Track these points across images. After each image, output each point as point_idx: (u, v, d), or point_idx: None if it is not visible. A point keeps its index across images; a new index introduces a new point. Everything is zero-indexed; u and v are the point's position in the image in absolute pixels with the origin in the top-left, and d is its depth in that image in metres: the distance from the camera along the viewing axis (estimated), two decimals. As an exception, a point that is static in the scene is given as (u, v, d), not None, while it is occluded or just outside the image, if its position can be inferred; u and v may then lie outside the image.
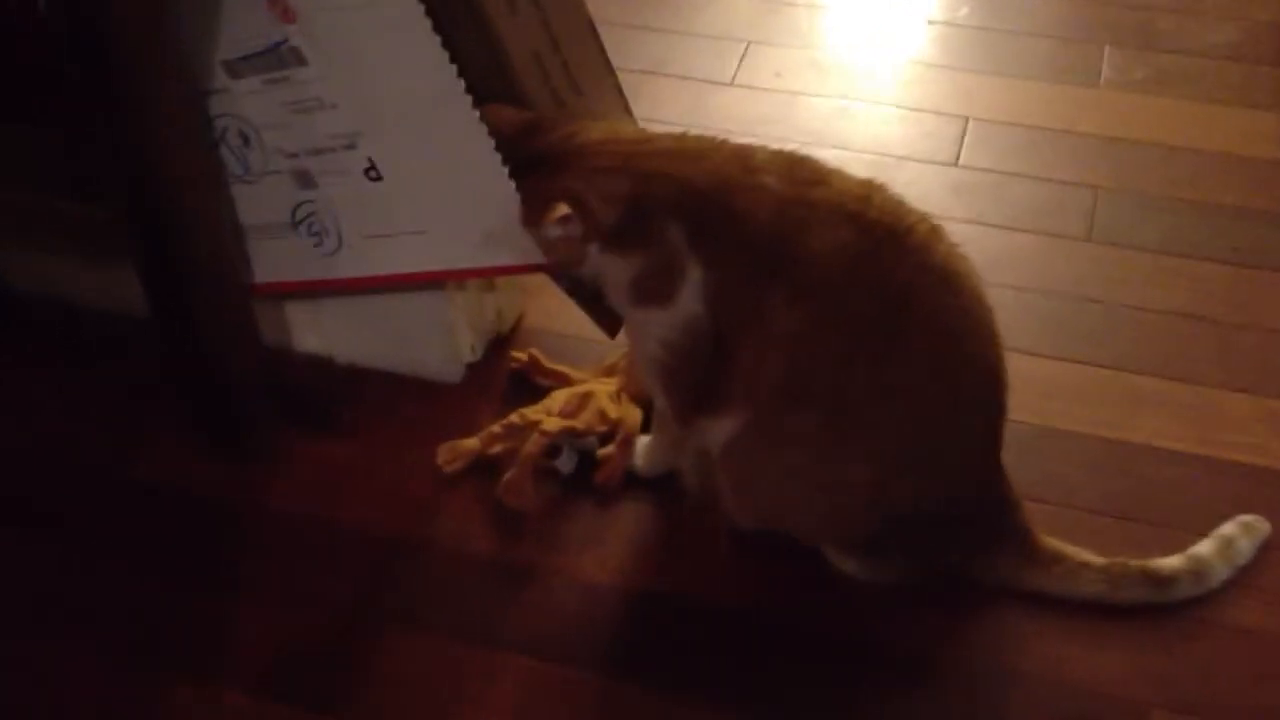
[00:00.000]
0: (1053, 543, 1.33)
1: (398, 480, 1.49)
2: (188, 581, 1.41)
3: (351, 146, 1.32)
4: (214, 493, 1.49)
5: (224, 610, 1.38)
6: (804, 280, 1.19)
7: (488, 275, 1.44)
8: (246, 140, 1.36)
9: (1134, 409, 1.55)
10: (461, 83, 1.21)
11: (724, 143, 1.26)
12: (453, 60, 1.21)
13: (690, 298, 1.21)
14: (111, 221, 1.40)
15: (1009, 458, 1.33)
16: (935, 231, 1.23)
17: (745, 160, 1.23)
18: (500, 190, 1.25)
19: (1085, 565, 1.31)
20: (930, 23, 2.21)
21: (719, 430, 1.28)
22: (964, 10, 2.23)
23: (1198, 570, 1.32)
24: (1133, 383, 1.58)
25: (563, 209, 1.18)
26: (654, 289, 1.23)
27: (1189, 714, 1.25)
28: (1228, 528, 1.35)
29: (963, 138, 1.96)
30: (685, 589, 1.37)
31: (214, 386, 1.51)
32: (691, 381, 1.27)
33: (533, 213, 1.22)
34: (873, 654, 1.32)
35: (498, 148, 1.23)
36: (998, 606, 1.34)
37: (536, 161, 1.23)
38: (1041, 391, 1.56)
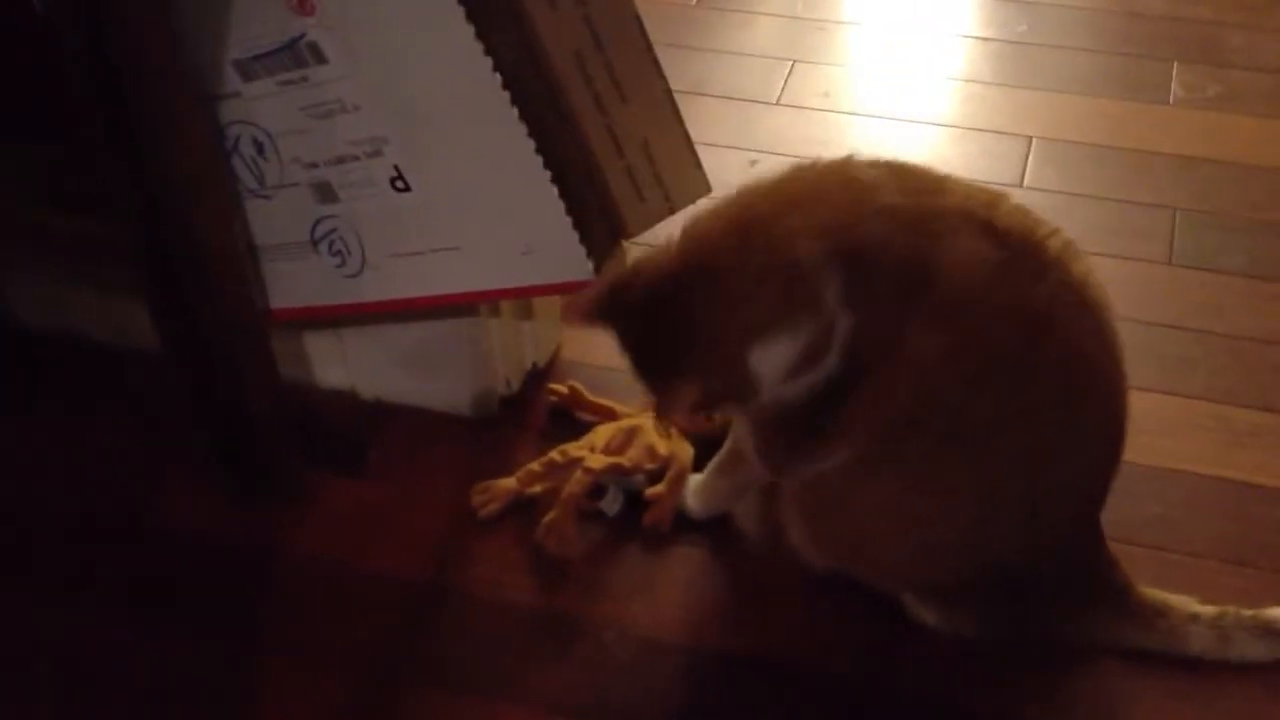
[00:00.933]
0: (1154, 594, 1.21)
1: (430, 524, 1.40)
2: (209, 634, 1.32)
3: (376, 154, 1.20)
4: (235, 539, 1.40)
5: (248, 665, 1.29)
6: (944, 299, 1.04)
7: (528, 295, 1.32)
8: (261, 149, 1.25)
9: (1232, 443, 1.44)
10: (498, 79, 1.10)
11: (818, 167, 1.13)
12: (486, 55, 1.09)
13: (835, 352, 1.07)
14: (119, 244, 1.30)
15: None
16: (1069, 247, 1.10)
17: (854, 182, 1.10)
18: (540, 199, 1.14)
19: (1193, 618, 1.20)
20: (984, 40, 2.12)
21: (815, 470, 1.15)
22: (1022, 27, 2.13)
23: None
24: (1229, 415, 1.47)
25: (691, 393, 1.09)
26: (807, 359, 1.09)
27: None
28: None
29: (1027, 158, 1.86)
30: (746, 642, 1.27)
31: (230, 425, 1.41)
32: (800, 436, 1.13)
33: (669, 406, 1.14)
34: (955, 716, 1.20)
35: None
36: (1093, 664, 1.23)
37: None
38: (1131, 426, 1.42)
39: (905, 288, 1.05)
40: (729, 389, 1.12)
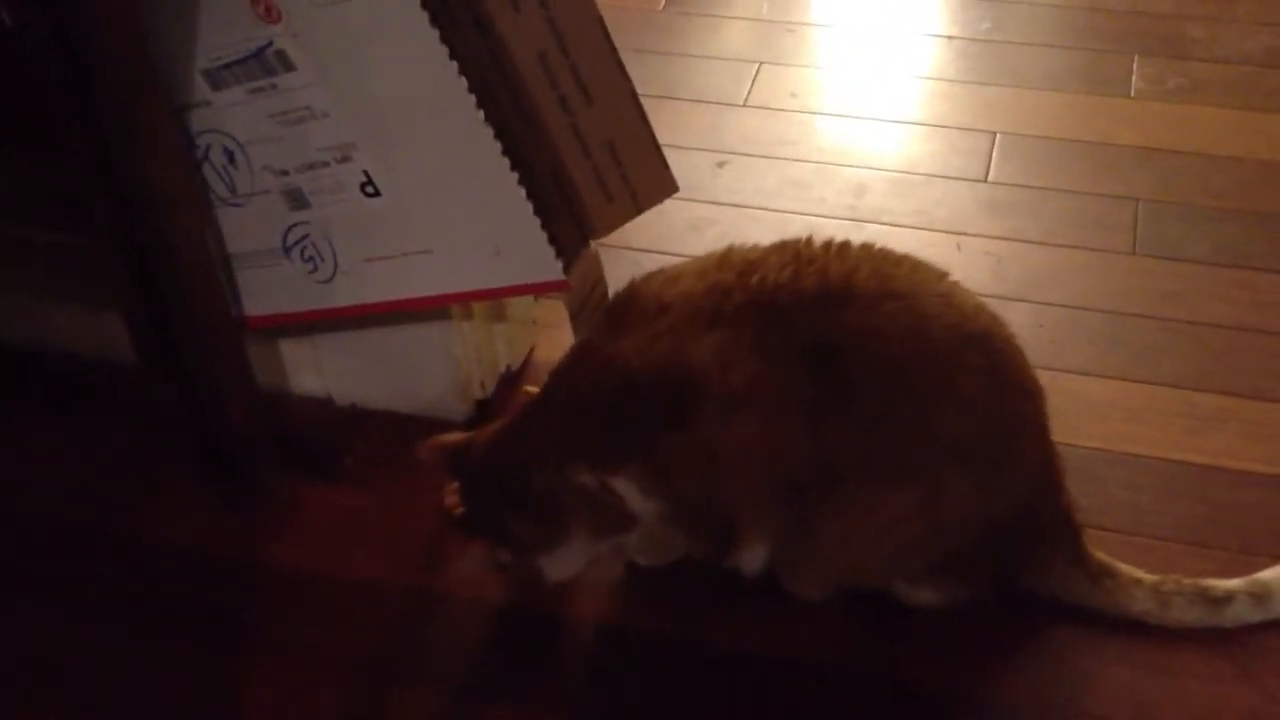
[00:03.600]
0: (1104, 557, 1.25)
1: (408, 528, 1.41)
2: (193, 643, 1.32)
3: (346, 160, 1.21)
4: (215, 547, 1.40)
5: (232, 674, 1.28)
6: (717, 391, 1.11)
7: (500, 296, 1.33)
8: (232, 158, 1.26)
9: (1197, 428, 1.46)
10: (463, 82, 1.11)
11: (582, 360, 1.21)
12: (452, 59, 1.10)
13: (641, 504, 1.19)
14: (94, 256, 1.30)
15: (1069, 483, 1.25)
16: (850, 255, 1.16)
17: (601, 362, 1.17)
18: (508, 201, 1.15)
19: (1136, 582, 1.24)
20: (949, 38, 2.14)
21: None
22: (985, 25, 2.15)
23: (1258, 594, 1.23)
24: (1194, 400, 1.49)
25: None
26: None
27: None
28: None
29: (991, 153, 1.88)
30: (730, 638, 1.27)
31: (209, 434, 1.42)
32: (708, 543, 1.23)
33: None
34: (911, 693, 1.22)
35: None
36: (1068, 652, 1.25)
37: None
38: (1097, 413, 1.48)
39: (673, 410, 1.11)
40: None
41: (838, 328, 1.11)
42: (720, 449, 1.12)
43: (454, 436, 1.25)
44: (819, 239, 1.17)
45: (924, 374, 1.12)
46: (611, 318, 1.19)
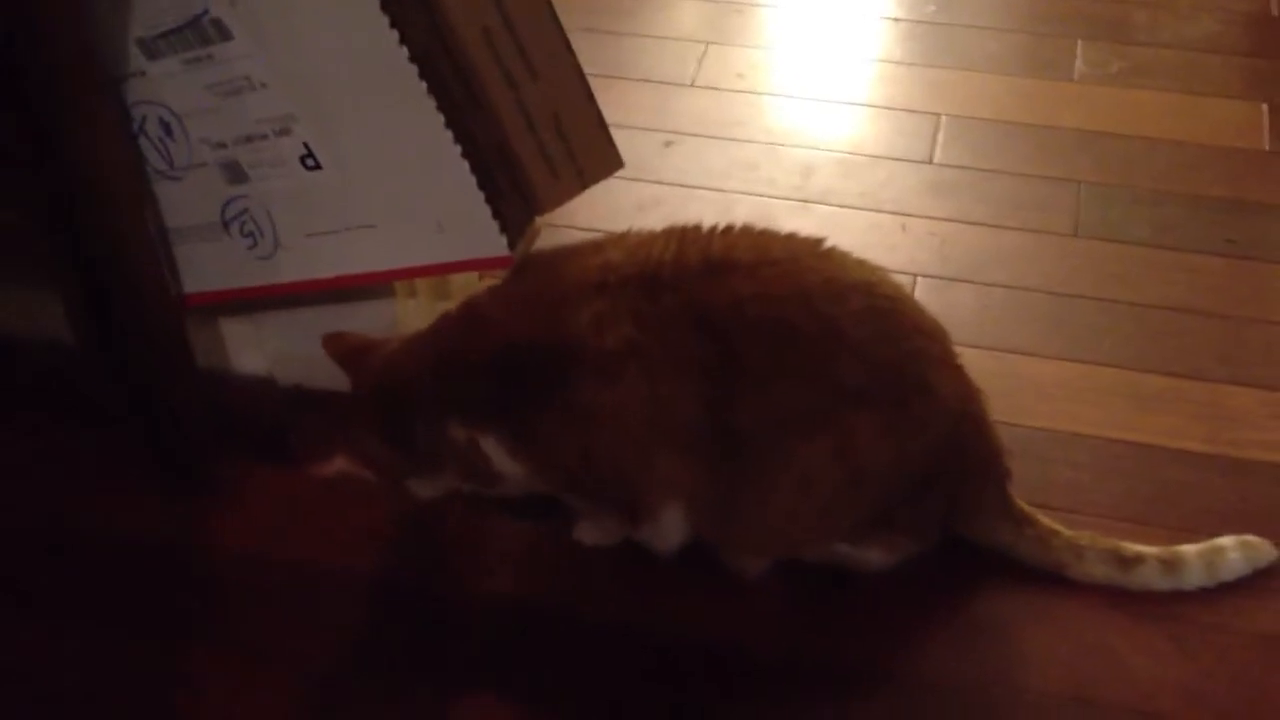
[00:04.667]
0: (1026, 506, 1.28)
1: (354, 511, 1.38)
2: (136, 633, 1.29)
3: (285, 132, 1.19)
4: (157, 534, 1.37)
5: (177, 662, 1.26)
6: (594, 359, 1.15)
7: (444, 273, 1.31)
8: (168, 130, 1.24)
9: (1139, 408, 1.47)
10: (405, 53, 1.09)
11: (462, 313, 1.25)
12: (393, 29, 1.08)
13: (504, 461, 1.24)
14: (27, 233, 1.27)
15: (1012, 462, 1.27)
16: (734, 238, 1.20)
17: (474, 321, 1.22)
18: (452, 175, 1.13)
19: (1054, 532, 1.27)
20: (895, 20, 2.14)
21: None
22: (930, 7, 2.16)
23: (1170, 562, 1.25)
24: (1135, 381, 1.50)
25: None
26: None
27: (1224, 728, 1.16)
28: (1226, 539, 1.28)
29: (936, 135, 1.88)
30: (640, 617, 1.27)
31: (148, 416, 1.39)
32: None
33: None
34: (885, 680, 1.22)
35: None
36: (1005, 627, 1.26)
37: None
38: (1040, 393, 1.48)
39: (543, 377, 1.15)
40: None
41: (718, 294, 1.14)
42: (595, 414, 1.15)
43: (359, 338, 1.29)
44: (713, 223, 1.21)
45: (808, 326, 1.14)
46: (506, 283, 1.23)
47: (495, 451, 1.20)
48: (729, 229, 1.19)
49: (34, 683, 1.24)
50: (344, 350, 1.28)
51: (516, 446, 1.19)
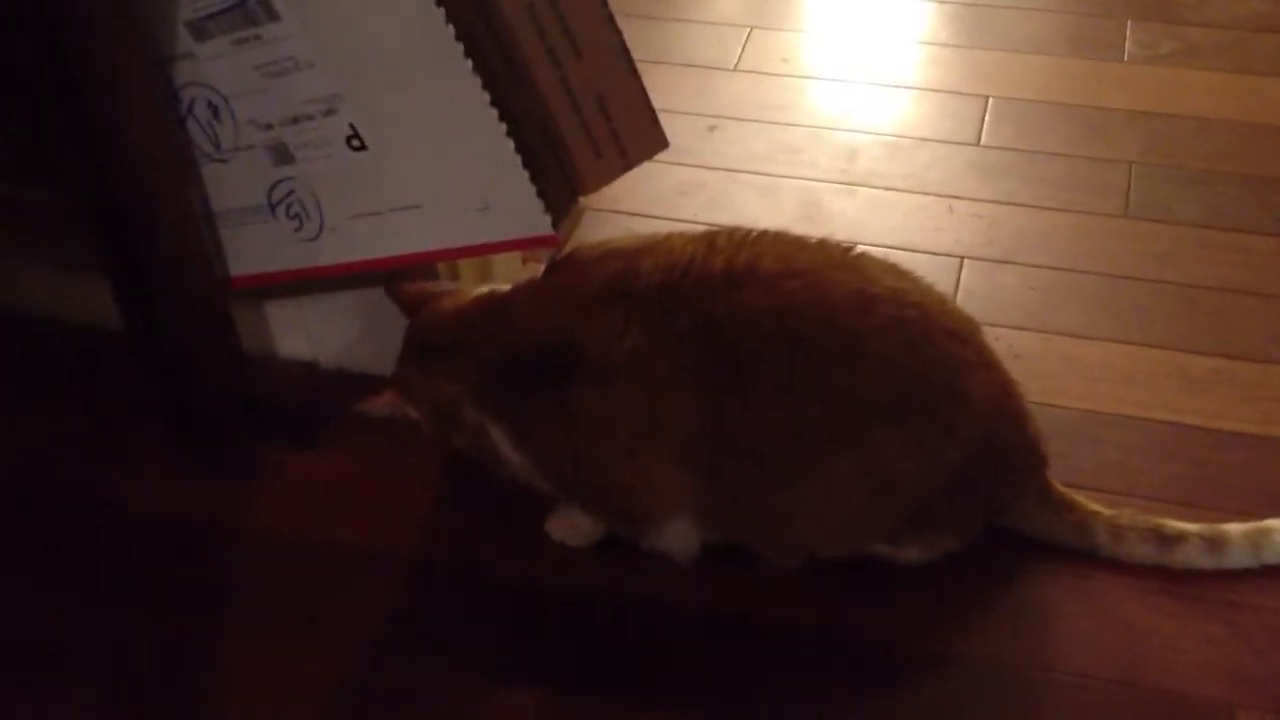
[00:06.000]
0: (1066, 491, 1.27)
1: (393, 493, 1.39)
2: (172, 611, 1.30)
3: (331, 112, 1.20)
4: (197, 515, 1.38)
5: (212, 641, 1.27)
6: (597, 363, 1.15)
7: (488, 253, 1.31)
8: (216, 112, 1.24)
9: (1189, 390, 1.45)
10: (450, 30, 1.09)
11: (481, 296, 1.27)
12: (438, 7, 1.09)
13: (506, 447, 1.25)
14: (74, 216, 1.28)
15: (1060, 444, 1.26)
16: (749, 242, 1.18)
17: (497, 308, 1.24)
18: (496, 154, 1.13)
19: (1094, 514, 1.26)
20: (941, 2, 2.12)
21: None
22: (977, -11, 2.13)
23: (1214, 541, 1.24)
24: (1185, 362, 1.48)
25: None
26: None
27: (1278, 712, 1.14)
28: (1275, 520, 1.25)
29: (983, 117, 1.86)
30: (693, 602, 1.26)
31: (191, 398, 1.40)
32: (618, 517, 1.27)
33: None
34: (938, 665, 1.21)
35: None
36: (1053, 609, 1.24)
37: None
38: (1088, 375, 1.47)
39: (549, 380, 1.16)
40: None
41: (733, 307, 1.13)
42: (586, 419, 1.16)
43: (418, 287, 1.30)
44: (748, 227, 1.20)
45: (827, 342, 1.13)
46: (543, 277, 1.23)
47: (501, 439, 1.21)
48: (760, 237, 1.18)
49: (66, 658, 1.26)
50: (402, 296, 1.30)
51: (517, 440, 1.21)
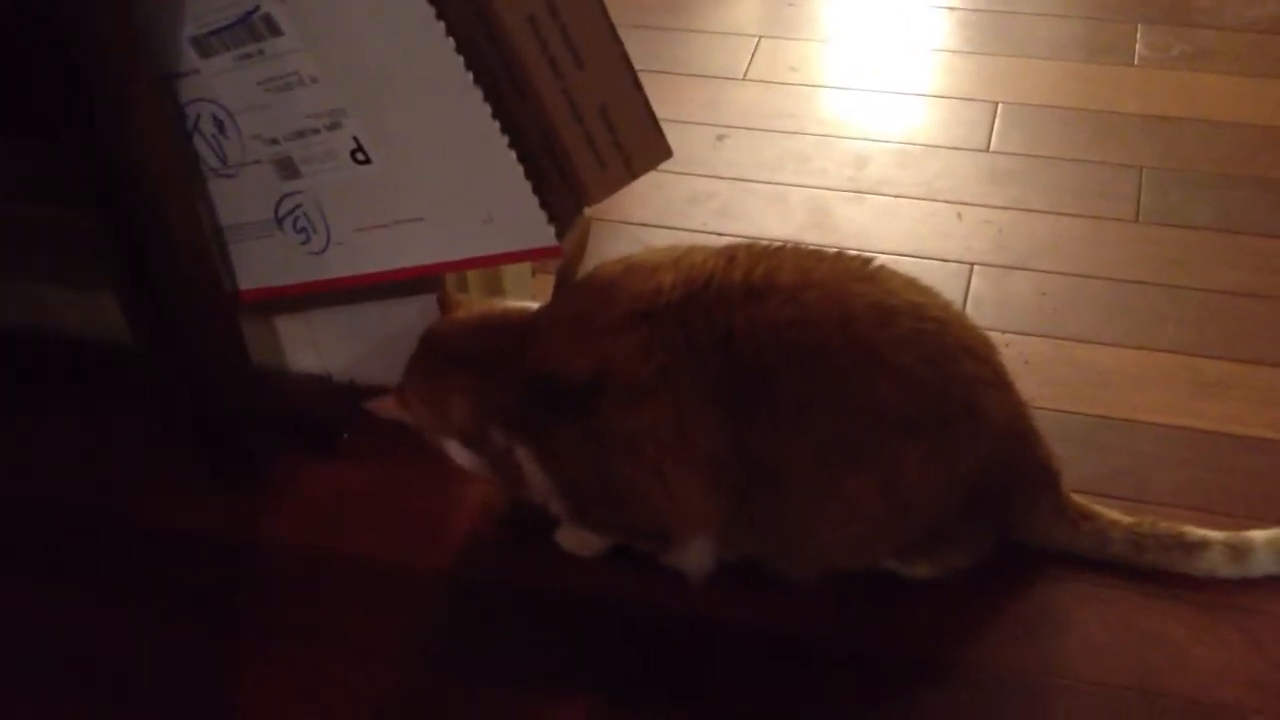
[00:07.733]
0: (1080, 501, 1.25)
1: (405, 506, 1.39)
2: (187, 621, 1.30)
3: (336, 126, 1.20)
4: (212, 528, 1.39)
5: (227, 652, 1.27)
6: (623, 384, 1.15)
7: (494, 264, 1.31)
8: (222, 128, 1.25)
9: (1202, 395, 1.44)
10: (451, 43, 1.09)
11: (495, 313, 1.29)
12: (439, 20, 1.09)
13: (536, 471, 1.25)
14: (85, 233, 1.29)
15: (1072, 450, 1.26)
16: (762, 258, 1.18)
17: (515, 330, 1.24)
18: (499, 166, 1.13)
19: (1113, 524, 1.24)
20: (950, 9, 2.12)
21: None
22: (986, -5, 2.13)
23: (1236, 548, 1.22)
24: (1198, 366, 1.47)
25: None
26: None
27: (1294, 720, 1.13)
28: None
29: (993, 123, 1.86)
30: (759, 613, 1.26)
31: (204, 412, 1.40)
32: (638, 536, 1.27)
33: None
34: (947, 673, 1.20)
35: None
36: (1067, 617, 1.23)
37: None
38: (1101, 381, 1.46)
39: (573, 403, 1.16)
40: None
41: (753, 319, 1.12)
42: (616, 440, 1.15)
43: (449, 296, 1.32)
44: (767, 242, 1.20)
45: (847, 354, 1.12)
46: (564, 297, 1.23)
47: (526, 461, 1.21)
48: (779, 250, 1.18)
49: (82, 668, 1.26)
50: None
51: (543, 463, 1.20)
